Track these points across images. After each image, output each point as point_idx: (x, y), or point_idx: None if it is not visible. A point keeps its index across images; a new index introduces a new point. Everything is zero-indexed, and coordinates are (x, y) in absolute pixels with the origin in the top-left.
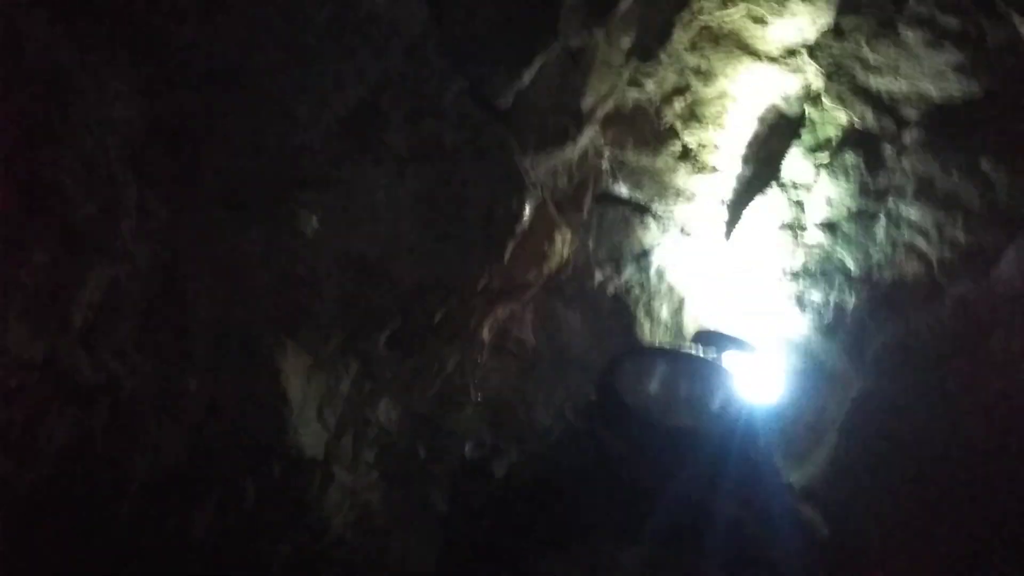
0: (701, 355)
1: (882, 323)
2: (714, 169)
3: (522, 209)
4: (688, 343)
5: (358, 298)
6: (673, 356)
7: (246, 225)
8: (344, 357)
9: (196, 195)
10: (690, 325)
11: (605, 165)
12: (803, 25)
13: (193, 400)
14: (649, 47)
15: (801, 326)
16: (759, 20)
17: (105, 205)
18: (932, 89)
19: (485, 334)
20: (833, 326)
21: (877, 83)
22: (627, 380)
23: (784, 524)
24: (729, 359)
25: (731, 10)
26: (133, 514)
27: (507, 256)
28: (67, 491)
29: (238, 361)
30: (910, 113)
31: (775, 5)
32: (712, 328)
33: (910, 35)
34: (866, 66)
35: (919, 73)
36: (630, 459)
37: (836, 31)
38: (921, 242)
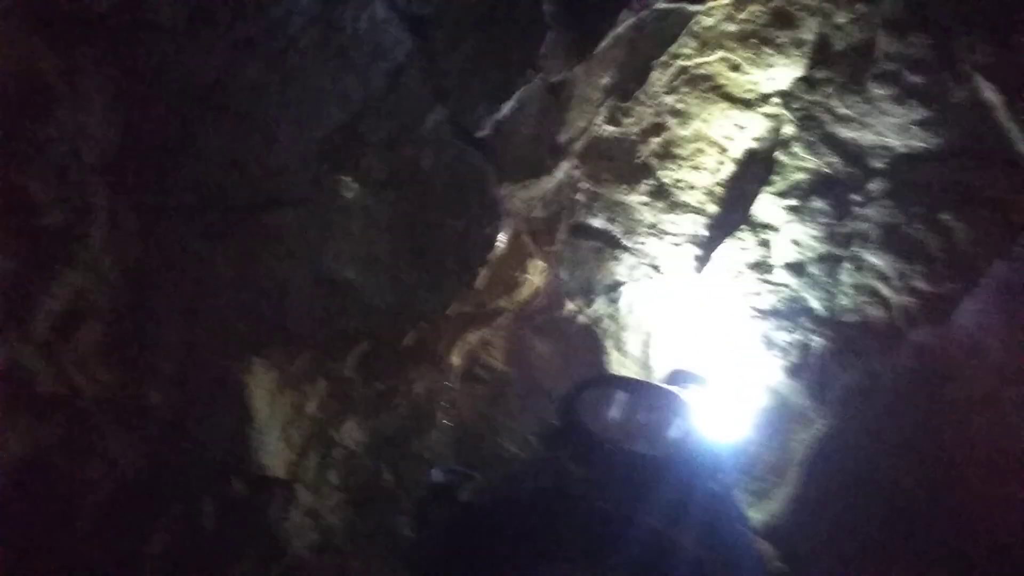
0: (663, 386)
1: (845, 365)
2: (687, 207)
3: (496, 237)
4: (656, 379)
5: (328, 318)
6: (634, 385)
7: (218, 240)
8: (312, 376)
9: (169, 208)
10: (657, 359)
11: (580, 197)
12: (776, 75)
13: (155, 414)
14: (627, 86)
15: (767, 365)
16: (735, 67)
17: (74, 214)
18: (897, 142)
19: (455, 359)
20: (798, 366)
21: (845, 133)
22: (589, 406)
23: (745, 566)
24: (691, 393)
25: (708, 57)
26: (88, 529)
27: (480, 282)
28: (22, 504)
29: (203, 376)
30: (876, 164)
31: (750, 55)
32: (675, 367)
33: (877, 90)
34: (835, 116)
35: (885, 126)
36: (591, 484)
37: (808, 81)
38: (883, 288)
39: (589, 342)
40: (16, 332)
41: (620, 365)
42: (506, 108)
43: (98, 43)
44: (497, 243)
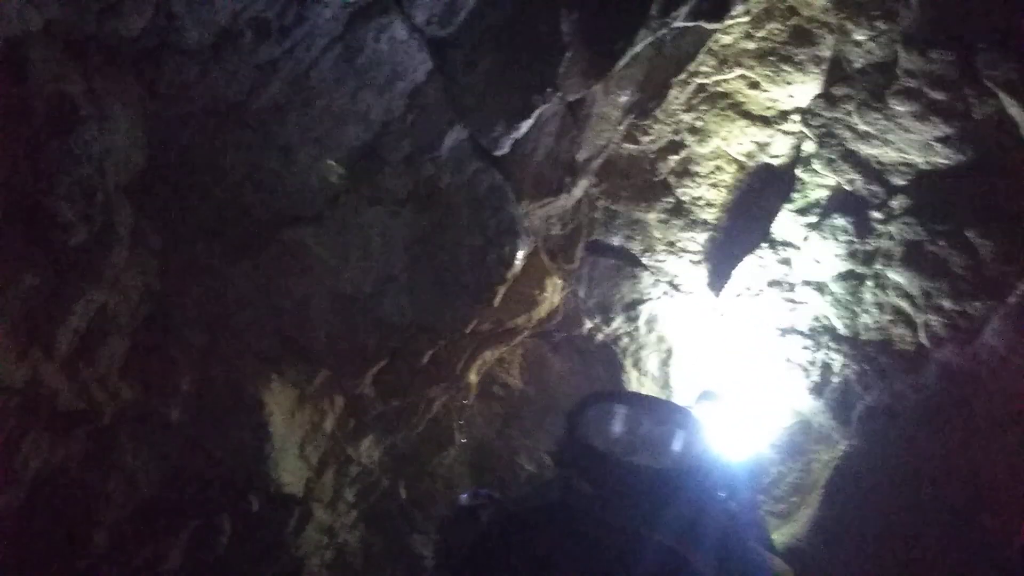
0: (669, 400)
1: (868, 385)
2: (706, 224)
3: (514, 255)
4: (674, 397)
5: (347, 335)
6: (637, 398)
7: (239, 258)
8: (330, 394)
9: (191, 226)
10: (677, 377)
11: (598, 215)
12: (795, 92)
13: (174, 430)
14: (646, 104)
15: (789, 384)
16: (753, 85)
17: (99, 232)
18: (919, 159)
19: (472, 377)
20: (820, 385)
21: (866, 150)
22: (591, 421)
23: None
24: (705, 409)
25: (727, 74)
26: (107, 544)
27: (497, 301)
28: (41, 518)
29: (221, 393)
30: (898, 181)
31: (769, 72)
32: (694, 385)
33: (899, 107)
34: (856, 134)
35: (907, 143)
36: (597, 499)
37: (828, 98)
38: (907, 307)
39: (607, 360)
40: (40, 349)
41: (638, 383)
42: (524, 127)
43: (125, 66)
44: (515, 261)
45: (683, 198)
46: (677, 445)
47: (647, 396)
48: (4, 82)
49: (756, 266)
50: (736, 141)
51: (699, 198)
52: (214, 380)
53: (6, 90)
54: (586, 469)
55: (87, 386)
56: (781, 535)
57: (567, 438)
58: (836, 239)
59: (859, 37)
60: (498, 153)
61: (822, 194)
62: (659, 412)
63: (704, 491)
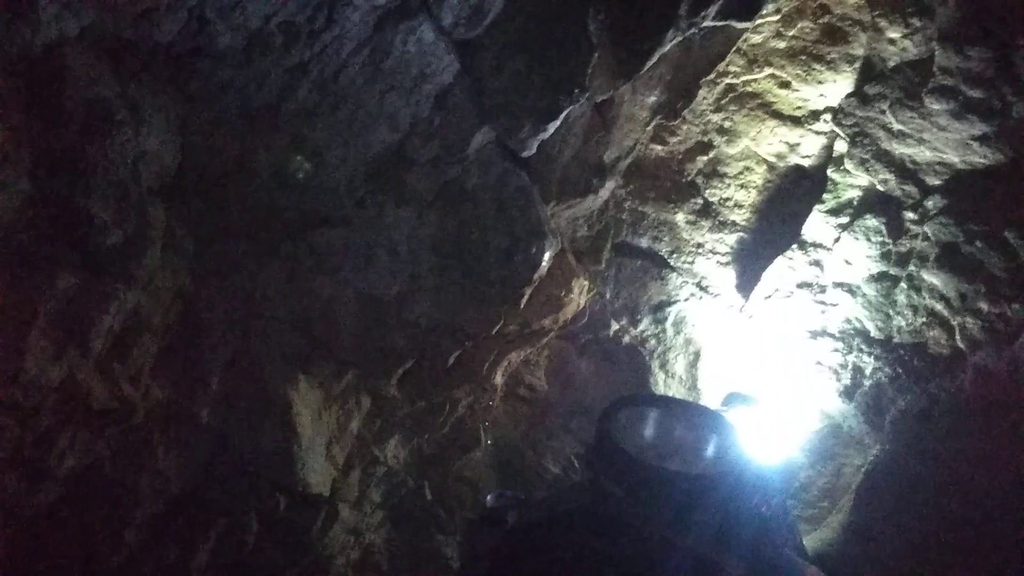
0: (702, 405)
1: (901, 388)
2: (735, 225)
3: (541, 256)
4: (704, 399)
5: (374, 336)
6: (669, 402)
7: (268, 259)
8: (356, 394)
9: (222, 228)
10: (705, 380)
11: (625, 216)
12: (827, 91)
13: (203, 429)
14: (674, 105)
15: (820, 387)
16: (784, 84)
17: (133, 234)
18: (955, 158)
19: (498, 378)
20: (851, 388)
21: (900, 150)
22: (623, 425)
23: None
24: (739, 414)
25: (756, 74)
26: (137, 541)
27: (524, 302)
28: (74, 514)
29: (250, 393)
30: (933, 180)
31: (800, 71)
32: (725, 388)
33: (934, 105)
34: (889, 133)
35: (942, 142)
36: (628, 504)
37: (860, 97)
38: (943, 309)
39: (634, 362)
40: (75, 348)
41: (666, 386)
42: (551, 128)
43: (159, 70)
44: (542, 263)
45: (711, 199)
46: (710, 450)
47: (679, 400)
48: (42, 87)
49: (786, 268)
50: (766, 141)
51: (728, 199)
52: (243, 380)
53: (44, 95)
54: (616, 473)
55: (120, 385)
56: (812, 540)
57: (598, 441)
58: (868, 240)
59: (893, 35)
60: (525, 154)
61: (854, 194)
62: (691, 416)
63: (737, 496)
